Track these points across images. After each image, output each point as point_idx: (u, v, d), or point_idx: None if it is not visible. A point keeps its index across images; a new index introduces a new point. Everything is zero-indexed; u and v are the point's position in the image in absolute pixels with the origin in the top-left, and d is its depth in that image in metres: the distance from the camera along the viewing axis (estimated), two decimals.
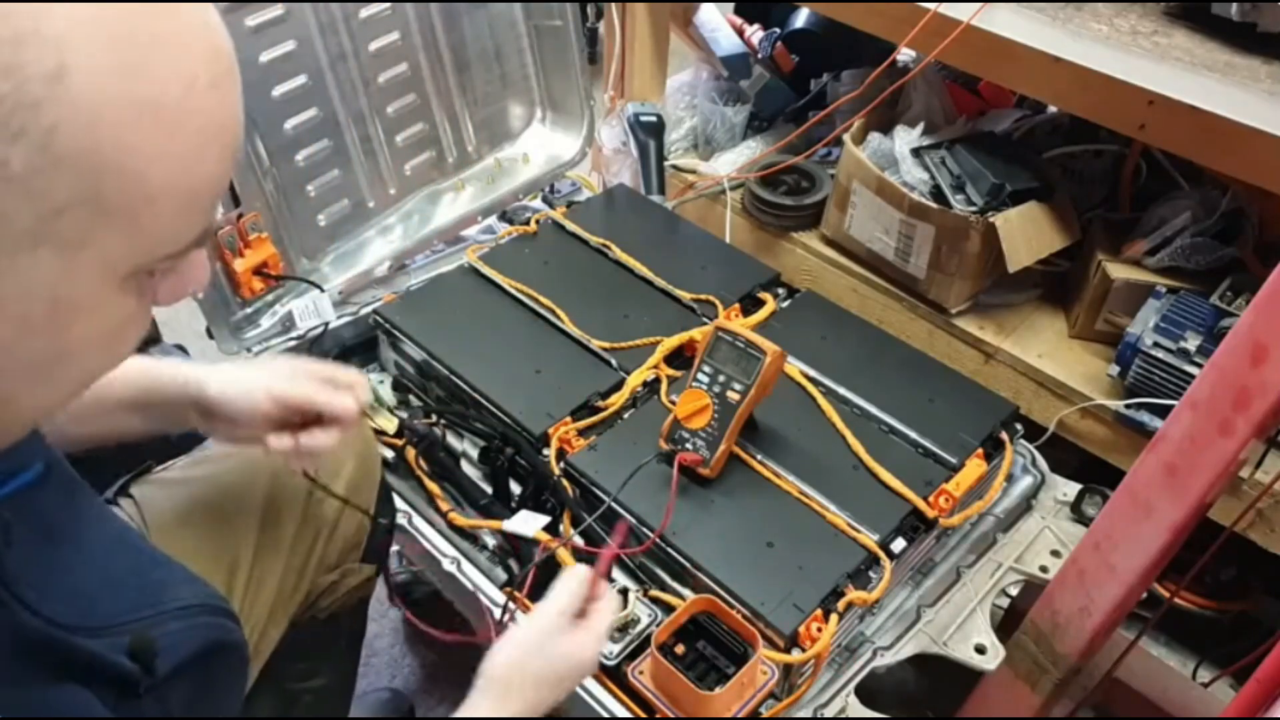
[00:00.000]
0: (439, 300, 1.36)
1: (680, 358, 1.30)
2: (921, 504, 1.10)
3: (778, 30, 2.01)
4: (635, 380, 1.24)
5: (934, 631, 1.09)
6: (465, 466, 1.24)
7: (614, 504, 1.08)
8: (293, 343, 1.36)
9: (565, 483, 1.13)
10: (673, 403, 1.18)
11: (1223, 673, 1.35)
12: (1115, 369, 1.40)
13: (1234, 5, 1.28)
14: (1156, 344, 1.33)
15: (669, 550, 1.05)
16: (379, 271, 1.49)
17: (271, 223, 1.34)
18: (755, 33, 2.01)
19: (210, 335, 1.31)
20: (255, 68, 1.25)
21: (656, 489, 1.09)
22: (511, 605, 1.04)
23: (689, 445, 1.10)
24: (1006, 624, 1.28)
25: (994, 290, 1.60)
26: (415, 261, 1.56)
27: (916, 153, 1.59)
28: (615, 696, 0.99)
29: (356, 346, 1.41)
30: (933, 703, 1.50)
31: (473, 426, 1.23)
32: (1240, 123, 1.16)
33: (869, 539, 1.06)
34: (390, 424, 1.24)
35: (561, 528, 1.10)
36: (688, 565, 1.04)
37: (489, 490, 1.20)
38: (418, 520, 1.17)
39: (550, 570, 1.08)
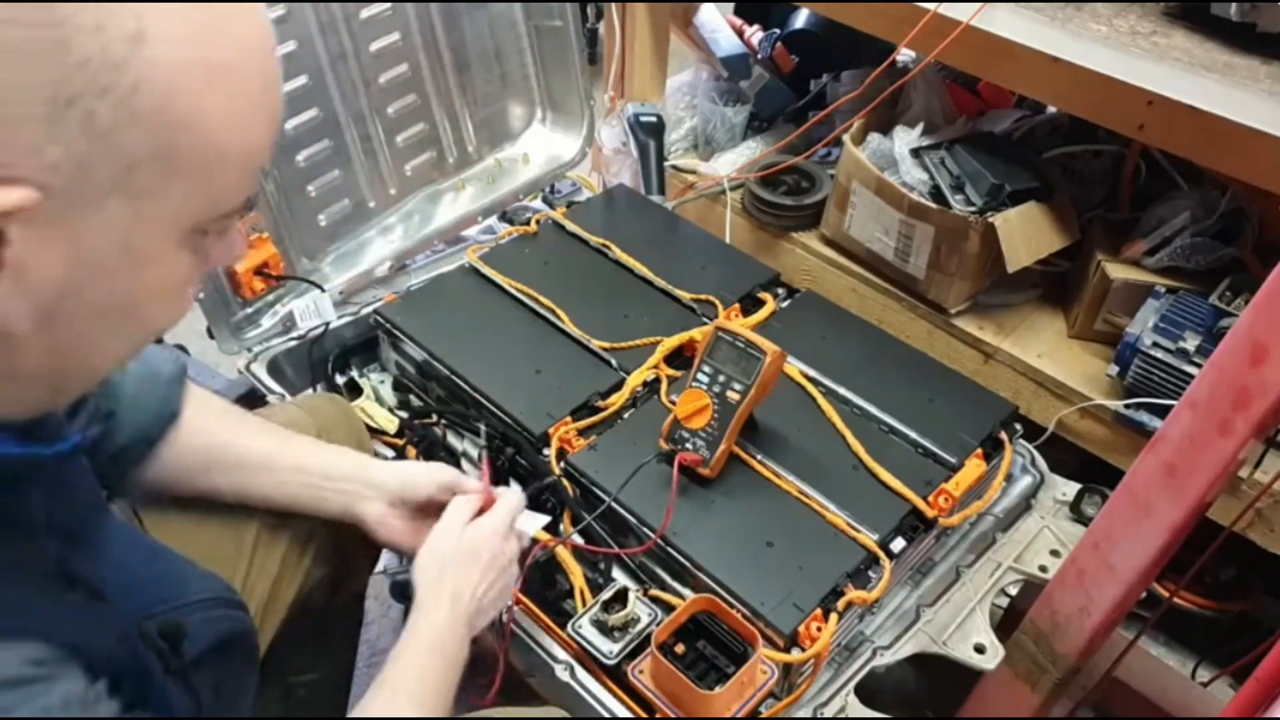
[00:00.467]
0: (439, 300, 1.37)
1: (680, 358, 1.30)
2: (921, 504, 1.10)
3: (777, 31, 2.01)
4: (635, 380, 1.24)
5: (933, 631, 1.09)
6: (465, 466, 1.24)
7: (614, 504, 1.08)
8: (293, 343, 1.36)
9: (565, 482, 1.13)
10: (673, 403, 1.18)
11: (1222, 672, 1.35)
12: (1114, 369, 1.40)
13: (1233, 5, 1.28)
14: (1156, 344, 1.33)
15: (669, 550, 1.05)
16: (379, 271, 1.49)
17: (272, 223, 1.34)
18: (755, 33, 2.01)
19: (211, 335, 1.32)
20: None
21: (656, 489, 1.09)
22: (511, 604, 1.04)
23: (689, 445, 1.10)
24: (1006, 624, 1.28)
25: (993, 290, 1.60)
26: (416, 261, 1.56)
27: (916, 153, 1.60)
28: (615, 696, 0.99)
29: (357, 346, 1.42)
30: (932, 702, 1.50)
31: (473, 426, 1.23)
32: (1239, 123, 1.16)
33: (869, 539, 1.06)
34: (390, 424, 1.24)
35: (562, 527, 1.11)
36: (688, 565, 1.04)
37: None
38: None
39: (551, 570, 1.08)
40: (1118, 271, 1.47)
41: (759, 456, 1.14)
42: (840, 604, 1.01)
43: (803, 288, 1.45)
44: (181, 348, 1.37)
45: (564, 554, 1.07)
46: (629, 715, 0.97)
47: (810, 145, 1.78)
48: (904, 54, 1.53)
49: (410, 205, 1.56)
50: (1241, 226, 1.46)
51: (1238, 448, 0.83)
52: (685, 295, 1.37)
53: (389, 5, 1.40)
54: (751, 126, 2.00)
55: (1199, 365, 1.29)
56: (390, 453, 1.23)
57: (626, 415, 1.22)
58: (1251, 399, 0.80)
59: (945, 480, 1.13)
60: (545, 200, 1.71)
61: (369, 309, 1.41)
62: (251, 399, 1.29)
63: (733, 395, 1.09)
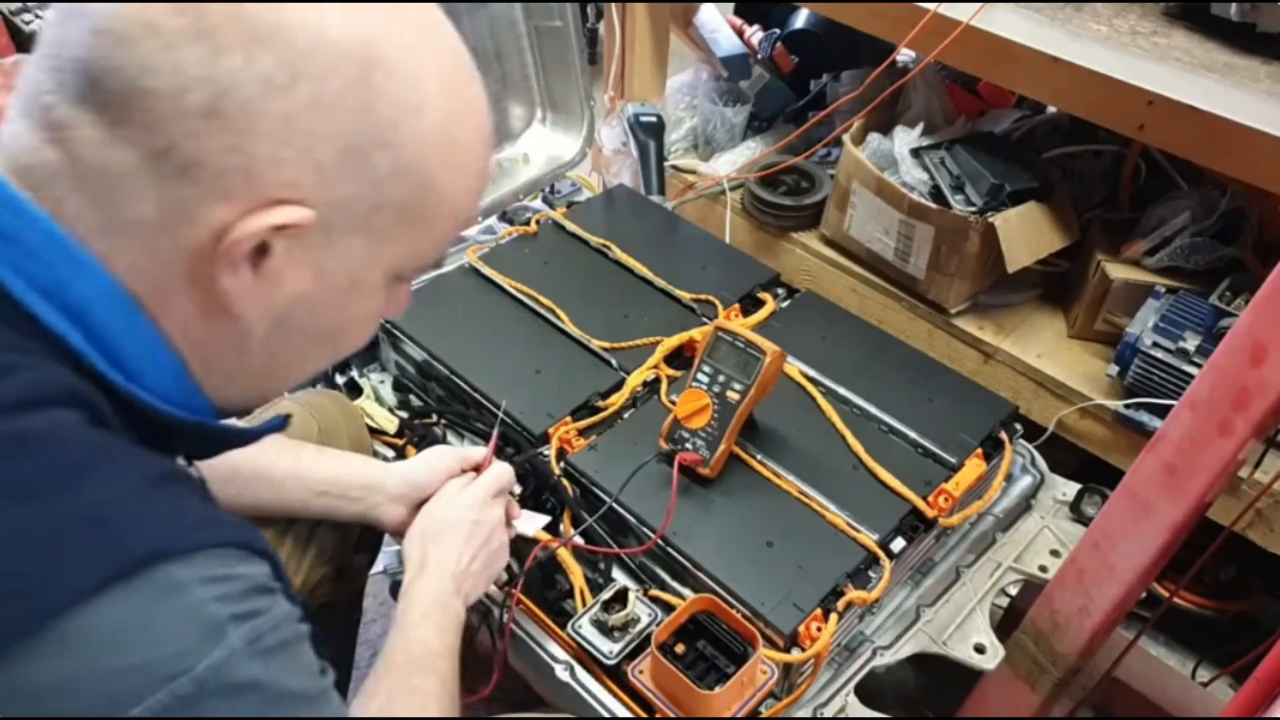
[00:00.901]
0: (439, 300, 1.36)
1: (680, 358, 1.30)
2: (921, 504, 1.10)
3: (777, 31, 2.01)
4: (635, 380, 1.24)
5: (933, 631, 1.09)
6: None
7: (614, 504, 1.08)
8: None
9: (565, 482, 1.13)
10: (673, 403, 1.18)
11: (1222, 672, 1.35)
12: (1114, 369, 1.40)
13: (1233, 5, 1.28)
14: (1156, 344, 1.33)
15: (669, 550, 1.05)
16: None
17: None
18: (755, 33, 2.01)
19: None
20: None
21: (656, 489, 1.09)
22: (511, 604, 1.04)
23: (689, 445, 1.10)
24: (1006, 624, 1.28)
25: (993, 290, 1.60)
26: None
27: (916, 153, 1.60)
28: (615, 696, 0.99)
29: None
30: (932, 702, 1.50)
31: (473, 427, 1.23)
32: (1239, 123, 1.16)
33: (868, 539, 1.06)
34: (390, 424, 1.24)
35: (562, 527, 1.11)
36: (688, 565, 1.04)
37: None
38: None
39: (551, 570, 1.08)
40: (1118, 271, 1.46)
41: (759, 456, 1.14)
42: (840, 604, 1.01)
43: (803, 288, 1.45)
44: None
45: (564, 554, 1.07)
46: (629, 715, 0.97)
47: (810, 145, 1.78)
48: (904, 54, 1.53)
49: None
50: (1241, 226, 1.46)
51: (1238, 448, 0.83)
52: (685, 295, 1.37)
53: None
54: (751, 126, 2.00)
55: (1199, 365, 1.29)
56: (390, 453, 1.22)
57: (626, 415, 1.22)
58: (1251, 399, 0.80)
59: (945, 480, 1.13)
60: (545, 200, 1.71)
61: None
62: None
63: (733, 395, 1.09)
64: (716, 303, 1.36)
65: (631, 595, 1.00)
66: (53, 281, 0.52)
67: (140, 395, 0.55)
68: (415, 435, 1.23)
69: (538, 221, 1.51)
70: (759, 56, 1.98)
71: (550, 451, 1.15)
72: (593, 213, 1.57)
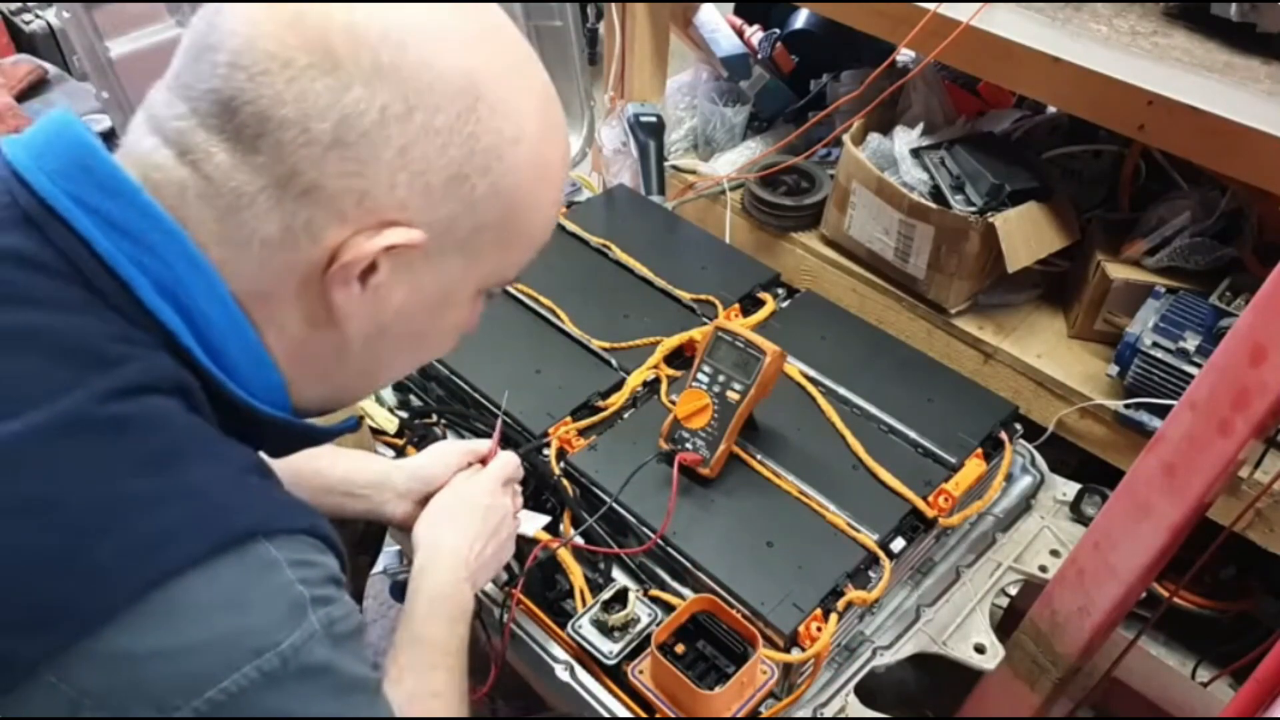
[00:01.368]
0: None
1: (680, 358, 1.30)
2: (921, 504, 1.10)
3: (777, 31, 2.01)
4: (635, 380, 1.24)
5: (933, 631, 1.09)
6: None
7: (614, 504, 1.08)
8: None
9: (565, 482, 1.13)
10: (673, 403, 1.18)
11: (1222, 672, 1.35)
12: (1114, 369, 1.40)
13: (1233, 6, 1.28)
14: (1156, 344, 1.33)
15: (669, 550, 1.05)
16: None
17: None
18: (755, 33, 2.01)
19: None
20: None
21: (656, 489, 1.09)
22: (511, 604, 1.04)
23: (689, 445, 1.10)
24: (1006, 624, 1.28)
25: (993, 290, 1.60)
26: None
27: (916, 153, 1.60)
28: (615, 696, 0.99)
29: None
30: (932, 702, 1.50)
31: (473, 427, 1.23)
32: (1240, 123, 1.16)
33: (868, 539, 1.06)
34: (390, 424, 1.24)
35: (561, 527, 1.11)
36: (688, 565, 1.04)
37: None
38: None
39: (551, 570, 1.08)
40: (1118, 271, 1.46)
41: (759, 456, 1.14)
42: (840, 604, 1.01)
43: (803, 288, 1.45)
44: None
45: (564, 554, 1.07)
46: (629, 715, 0.97)
47: (810, 145, 1.78)
48: (904, 54, 1.53)
49: None
50: (1241, 226, 1.46)
51: (1238, 448, 0.83)
52: (685, 295, 1.37)
53: None
54: (751, 126, 2.00)
55: (1199, 365, 1.29)
56: (390, 453, 1.22)
57: (626, 415, 1.22)
58: (1251, 399, 0.80)
59: (945, 480, 1.13)
60: None
61: None
62: None
63: (733, 395, 1.09)
64: (716, 303, 1.36)
65: (631, 595, 1.00)
66: (171, 279, 0.56)
67: (235, 391, 0.59)
68: (415, 435, 1.23)
69: None
70: (759, 56, 1.98)
71: (550, 451, 1.15)
72: (593, 213, 1.57)
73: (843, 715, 1.02)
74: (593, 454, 1.15)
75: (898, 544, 1.07)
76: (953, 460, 1.16)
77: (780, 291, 1.43)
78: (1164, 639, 1.58)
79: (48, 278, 0.54)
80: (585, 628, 0.99)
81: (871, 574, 1.05)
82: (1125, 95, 1.24)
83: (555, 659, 1.02)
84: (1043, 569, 1.16)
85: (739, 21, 2.04)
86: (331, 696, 0.55)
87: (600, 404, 1.21)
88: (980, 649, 1.08)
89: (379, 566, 1.25)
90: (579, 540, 1.08)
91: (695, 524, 1.07)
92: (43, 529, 0.49)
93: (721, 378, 1.10)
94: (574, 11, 1.59)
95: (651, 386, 1.26)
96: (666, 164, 1.78)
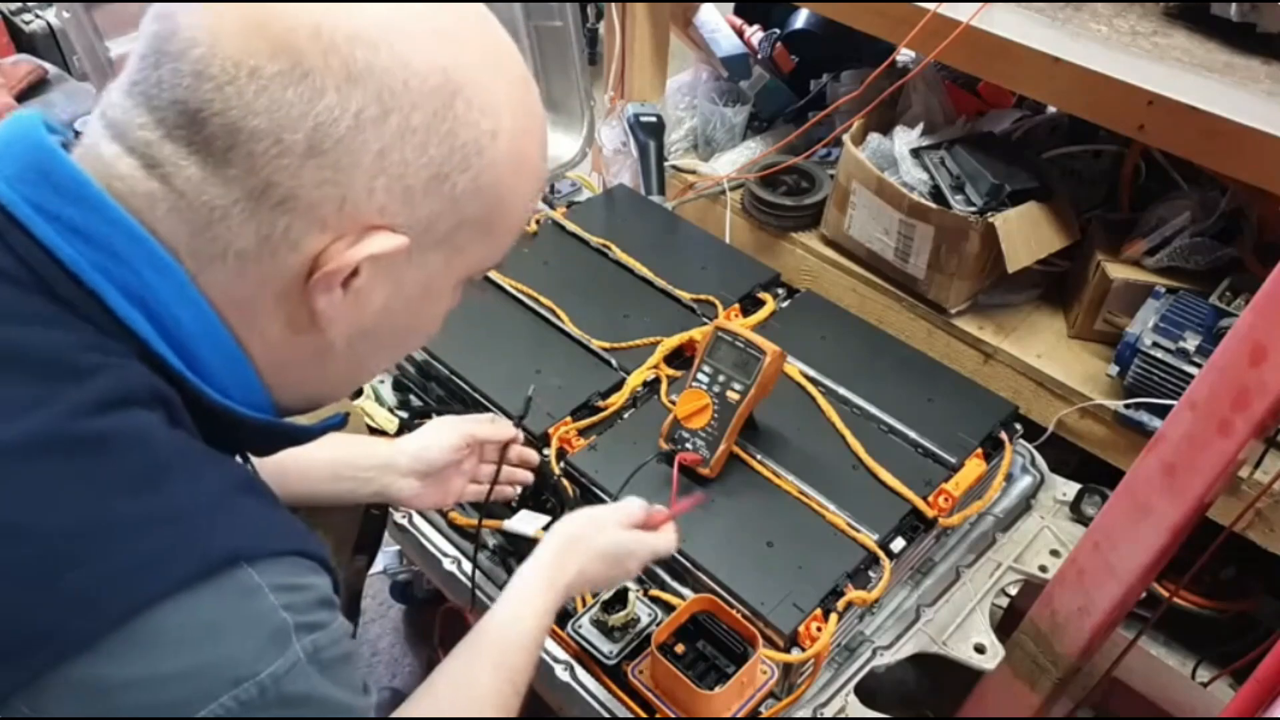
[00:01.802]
0: None
1: (680, 358, 1.30)
2: (921, 504, 1.10)
3: (777, 31, 2.01)
4: (635, 380, 1.24)
5: (933, 631, 1.09)
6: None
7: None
8: None
9: (565, 482, 1.13)
10: (673, 403, 1.18)
11: (1222, 672, 1.35)
12: (1114, 369, 1.40)
13: (1233, 5, 1.28)
14: (1156, 344, 1.33)
15: None
16: None
17: None
18: (755, 33, 2.01)
19: None
20: None
21: (656, 489, 1.09)
22: None
23: (689, 445, 1.10)
24: (1006, 624, 1.28)
25: (993, 290, 1.60)
26: None
27: (916, 153, 1.59)
28: (615, 696, 0.99)
29: None
30: (932, 702, 1.50)
31: None
32: (1239, 123, 1.16)
33: (868, 539, 1.06)
34: (390, 424, 1.24)
35: None
36: (688, 565, 1.04)
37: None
38: (418, 520, 1.17)
39: None
40: (1118, 271, 1.46)
41: (759, 456, 1.14)
42: (840, 604, 1.01)
43: (803, 288, 1.45)
44: None
45: None
46: (629, 715, 0.97)
47: (810, 145, 1.78)
48: (904, 54, 1.53)
49: None
50: (1241, 226, 1.46)
51: (1238, 448, 0.83)
52: (685, 295, 1.37)
53: None
54: (751, 126, 2.00)
55: (1199, 365, 1.29)
56: None
57: (626, 415, 1.22)
58: (1251, 399, 0.80)
59: (945, 480, 1.13)
60: (545, 200, 1.71)
61: None
62: None
63: (733, 395, 1.09)
64: (716, 303, 1.36)
65: (631, 595, 1.00)
66: (138, 285, 0.54)
67: (211, 395, 0.57)
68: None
69: (538, 221, 1.51)
70: (759, 56, 1.98)
71: (550, 451, 1.15)
72: (593, 213, 1.57)
73: (843, 715, 1.02)
74: (593, 454, 1.15)
75: (898, 544, 1.08)
76: (953, 460, 1.16)
77: (780, 291, 1.43)
78: (1164, 639, 1.58)
79: (9, 286, 0.52)
80: (585, 627, 0.99)
81: (871, 574, 1.05)
82: (1125, 95, 1.24)
83: (555, 659, 1.02)
84: (1043, 569, 1.17)
85: (739, 21, 2.04)
86: None
87: (600, 404, 1.21)
88: (980, 649, 1.08)
89: (378, 566, 1.25)
90: None
91: (695, 524, 1.06)
92: (17, 554, 0.48)
93: (721, 378, 1.10)
94: (574, 11, 1.59)
95: (651, 386, 1.26)
96: (666, 164, 1.78)
